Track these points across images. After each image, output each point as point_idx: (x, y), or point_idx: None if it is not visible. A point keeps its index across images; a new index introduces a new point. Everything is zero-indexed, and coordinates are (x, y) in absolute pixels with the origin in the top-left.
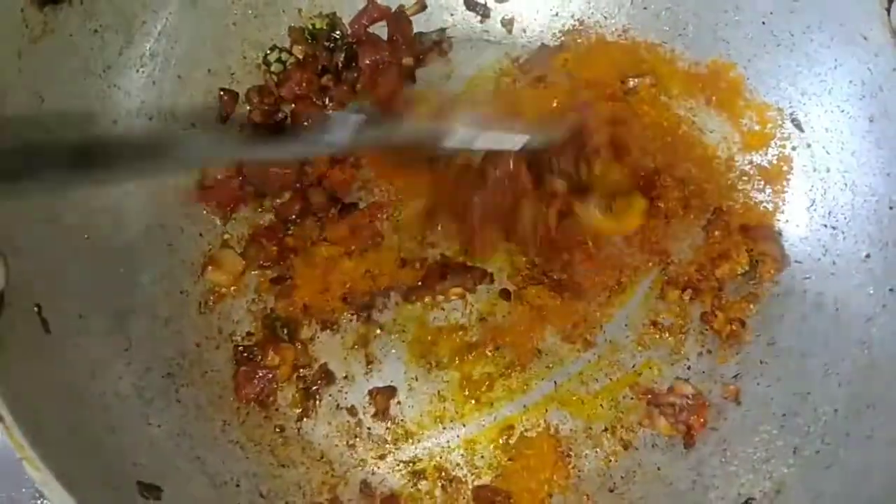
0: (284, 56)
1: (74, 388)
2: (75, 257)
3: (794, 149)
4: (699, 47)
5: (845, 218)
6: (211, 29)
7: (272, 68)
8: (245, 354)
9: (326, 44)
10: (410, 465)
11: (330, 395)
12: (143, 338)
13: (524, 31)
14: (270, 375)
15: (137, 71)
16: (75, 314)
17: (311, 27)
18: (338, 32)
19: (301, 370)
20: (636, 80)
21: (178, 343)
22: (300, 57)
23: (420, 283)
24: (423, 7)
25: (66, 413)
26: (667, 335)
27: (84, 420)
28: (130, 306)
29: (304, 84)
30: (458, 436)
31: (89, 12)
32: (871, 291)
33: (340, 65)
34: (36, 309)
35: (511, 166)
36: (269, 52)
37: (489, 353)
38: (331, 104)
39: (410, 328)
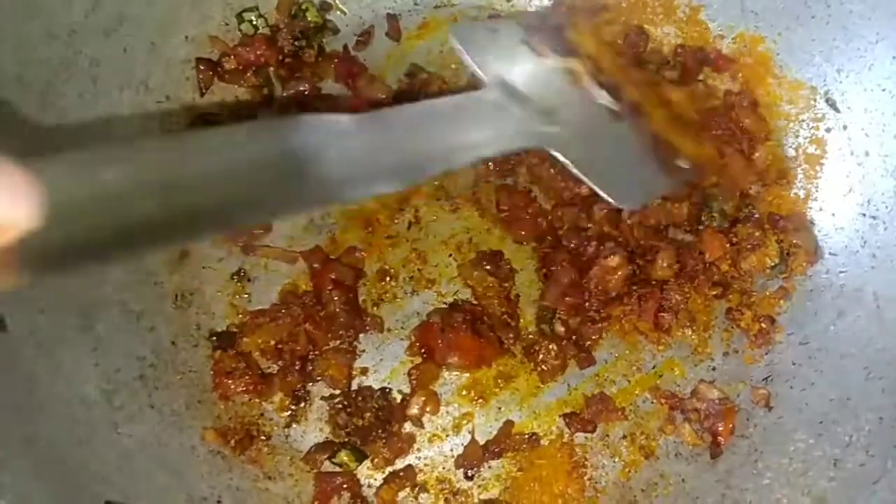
0: (260, 22)
1: (34, 395)
2: None
3: (828, 131)
4: (725, 18)
5: (886, 206)
6: None
7: (241, 27)
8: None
9: (298, 34)
10: (411, 476)
11: (321, 399)
12: (113, 335)
13: None
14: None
15: (107, 36)
16: (36, 309)
17: (301, 7)
18: (312, 49)
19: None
20: None
21: (152, 341)
22: (272, 24)
23: None
24: None
25: (23, 423)
26: (689, 332)
27: (44, 431)
28: (98, 300)
29: (262, 57)
30: (462, 444)
31: None
32: None
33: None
34: None
35: None
36: (246, 10)
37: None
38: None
39: (410, 324)
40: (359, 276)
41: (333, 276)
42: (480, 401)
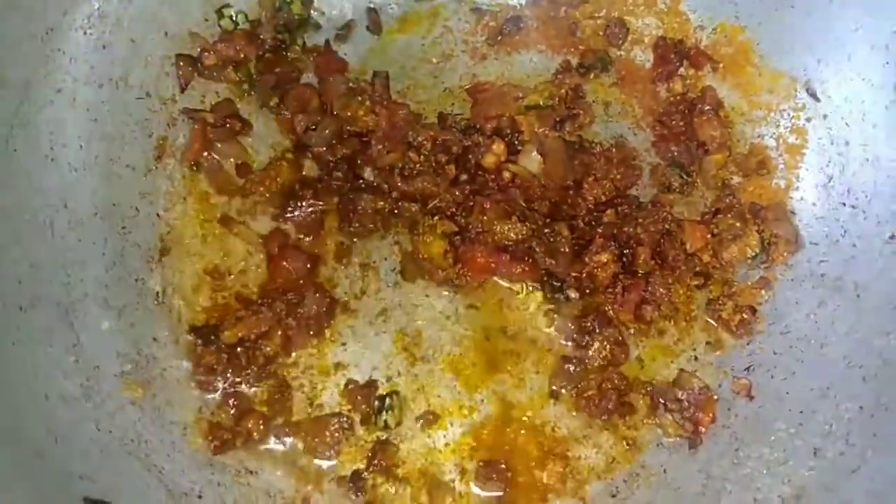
0: (240, 17)
1: (12, 391)
2: (15, 242)
3: (808, 120)
4: (705, 9)
5: (866, 196)
6: None
7: (221, 23)
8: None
9: (281, 28)
10: (393, 468)
11: (303, 392)
12: (93, 332)
13: None
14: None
15: (85, 33)
16: (15, 306)
17: (286, 0)
18: (295, 44)
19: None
20: None
21: (133, 337)
22: (252, 20)
23: None
24: None
25: (3, 420)
26: (671, 323)
27: (22, 427)
28: (79, 297)
29: (242, 52)
30: (445, 436)
31: None
32: None
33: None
34: None
35: None
36: (225, 6)
37: (479, 344)
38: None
39: (393, 316)
40: (316, 262)
41: (286, 264)
42: (463, 391)
